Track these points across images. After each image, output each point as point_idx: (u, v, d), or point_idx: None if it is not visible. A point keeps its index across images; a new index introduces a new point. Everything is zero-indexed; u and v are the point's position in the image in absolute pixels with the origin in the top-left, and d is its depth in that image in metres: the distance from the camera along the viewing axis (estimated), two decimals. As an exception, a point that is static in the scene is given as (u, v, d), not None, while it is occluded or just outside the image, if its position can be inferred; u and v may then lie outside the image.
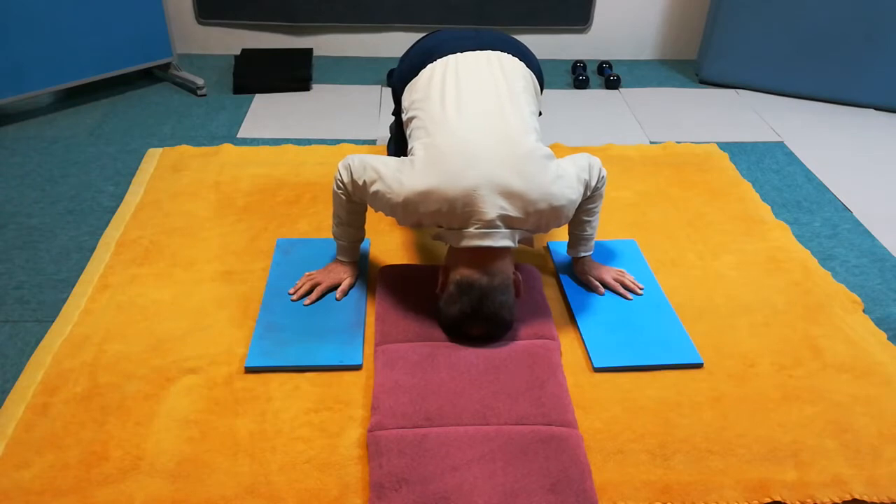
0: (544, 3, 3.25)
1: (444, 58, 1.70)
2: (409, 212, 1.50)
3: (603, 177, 1.67)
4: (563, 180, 1.51)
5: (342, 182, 1.62)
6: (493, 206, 1.45)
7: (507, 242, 1.48)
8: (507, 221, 1.47)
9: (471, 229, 1.47)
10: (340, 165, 1.62)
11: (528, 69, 1.74)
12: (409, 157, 1.55)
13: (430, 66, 1.70)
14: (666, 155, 2.54)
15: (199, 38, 3.30)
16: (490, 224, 1.46)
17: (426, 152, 1.50)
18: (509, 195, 1.45)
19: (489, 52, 1.72)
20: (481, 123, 1.51)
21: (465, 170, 1.45)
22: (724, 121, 2.87)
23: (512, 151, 1.48)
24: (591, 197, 1.68)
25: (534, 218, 1.49)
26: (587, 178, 1.60)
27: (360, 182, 1.56)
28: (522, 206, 1.46)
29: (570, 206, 1.53)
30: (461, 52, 1.70)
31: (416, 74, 1.72)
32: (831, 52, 2.93)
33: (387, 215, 1.56)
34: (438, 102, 1.58)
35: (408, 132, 1.66)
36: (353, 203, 1.66)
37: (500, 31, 1.85)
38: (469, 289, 1.52)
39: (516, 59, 1.73)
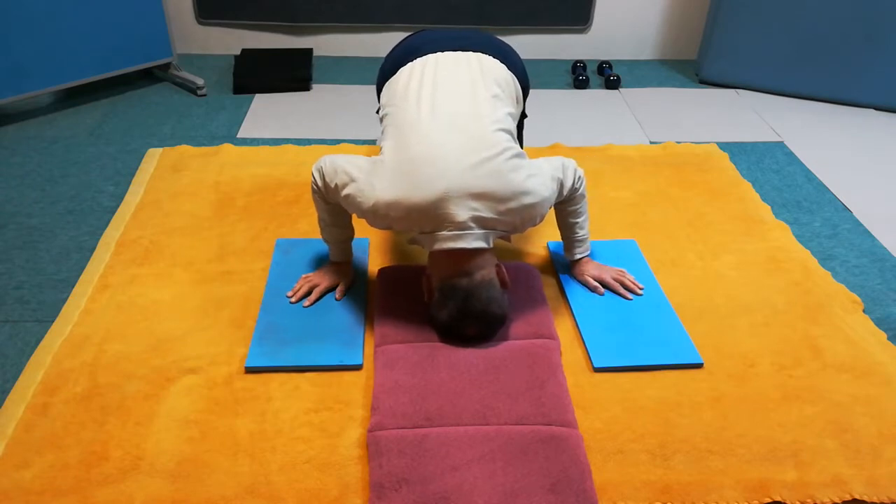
0: (544, 3, 3.25)
1: (424, 57, 1.69)
2: (380, 216, 1.49)
3: (580, 177, 1.67)
4: (535, 178, 1.51)
5: (316, 185, 1.62)
6: (463, 209, 1.44)
7: (479, 244, 1.48)
8: (481, 222, 1.47)
9: (443, 232, 1.47)
10: (314, 168, 1.62)
11: (509, 71, 1.74)
12: (380, 157, 1.54)
13: (409, 64, 1.70)
14: (666, 155, 2.54)
15: (199, 38, 3.30)
16: (462, 226, 1.46)
17: (396, 155, 1.50)
18: (480, 196, 1.45)
19: (469, 52, 1.71)
20: (454, 124, 1.51)
21: (433, 177, 1.44)
22: (724, 121, 2.87)
23: (483, 152, 1.47)
24: (572, 198, 1.68)
25: (507, 217, 1.49)
26: (561, 177, 1.60)
27: (333, 185, 1.56)
28: (494, 206, 1.46)
29: (543, 203, 1.52)
30: (442, 51, 1.70)
31: (396, 72, 1.72)
32: (831, 52, 2.93)
33: (358, 217, 1.56)
34: (414, 102, 1.58)
35: (381, 128, 1.66)
36: (331, 204, 1.66)
37: (486, 32, 1.85)
38: (452, 292, 1.52)
39: (497, 60, 1.73)
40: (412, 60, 1.70)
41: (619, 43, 3.43)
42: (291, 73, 2.99)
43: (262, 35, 3.30)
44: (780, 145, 2.70)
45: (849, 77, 2.95)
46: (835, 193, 2.38)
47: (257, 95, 2.93)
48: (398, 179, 1.46)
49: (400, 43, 1.85)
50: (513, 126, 1.62)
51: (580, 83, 3.11)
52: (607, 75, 3.13)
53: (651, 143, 2.67)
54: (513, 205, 1.47)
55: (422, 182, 1.44)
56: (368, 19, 3.25)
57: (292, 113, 2.80)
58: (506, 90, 1.68)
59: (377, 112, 1.96)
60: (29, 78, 2.54)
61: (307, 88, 3.00)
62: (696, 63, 3.39)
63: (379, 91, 1.85)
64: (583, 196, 1.71)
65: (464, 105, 1.56)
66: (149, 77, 3.06)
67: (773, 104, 3.03)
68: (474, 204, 1.45)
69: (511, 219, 1.49)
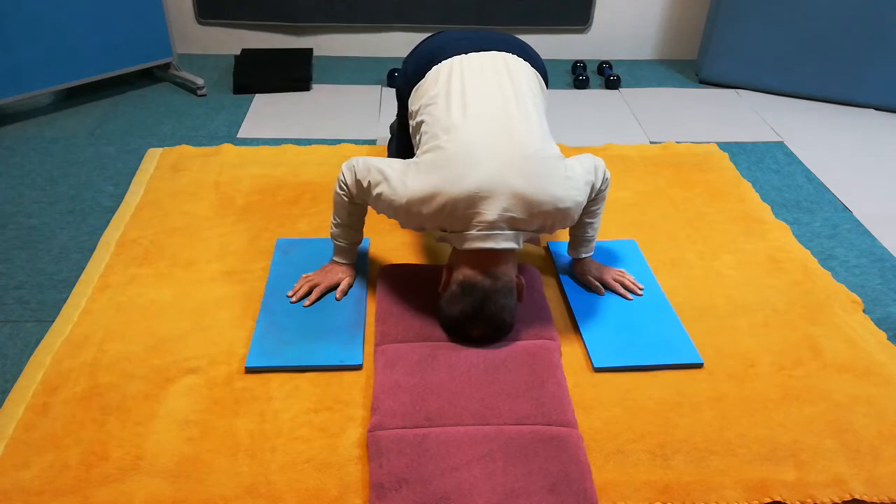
0: (544, 3, 3.25)
1: (450, 59, 1.69)
2: (412, 214, 1.49)
3: (607, 178, 1.67)
4: (570, 182, 1.50)
5: (345, 183, 1.62)
6: (495, 208, 1.44)
7: (510, 244, 1.48)
8: (512, 223, 1.47)
9: (473, 231, 1.46)
10: (344, 167, 1.62)
11: (533, 69, 1.74)
12: (413, 159, 1.54)
13: (435, 68, 1.69)
14: (666, 155, 2.54)
15: (199, 38, 3.30)
16: (493, 226, 1.45)
17: (430, 155, 1.50)
18: (513, 197, 1.44)
19: (494, 52, 1.70)
20: (486, 125, 1.51)
21: (467, 172, 1.44)
22: (724, 121, 2.87)
23: (517, 153, 1.47)
24: (594, 199, 1.67)
25: (539, 219, 1.48)
26: (593, 179, 1.60)
27: (365, 184, 1.56)
28: (527, 208, 1.46)
29: (576, 208, 1.52)
30: (466, 53, 1.70)
31: (421, 77, 1.71)
32: (831, 52, 2.93)
33: (389, 217, 1.56)
34: (444, 106, 1.57)
35: (416, 139, 1.65)
36: (355, 205, 1.66)
37: (504, 32, 1.85)
38: (472, 290, 1.52)
39: (521, 59, 1.73)
40: (436, 64, 1.69)
41: (619, 43, 3.43)
42: (291, 73, 2.99)
43: (262, 35, 3.30)
44: (780, 145, 2.70)
45: (849, 77, 2.95)
46: (835, 193, 2.38)
47: (257, 95, 2.93)
48: (431, 176, 1.46)
49: (419, 46, 1.84)
50: (544, 123, 1.61)
51: (580, 83, 3.11)
52: (607, 75, 3.13)
53: (651, 143, 2.67)
54: (546, 208, 1.47)
55: (454, 178, 1.44)
56: (368, 19, 3.25)
57: (292, 113, 2.80)
58: (532, 88, 1.67)
59: (398, 115, 1.95)
60: (29, 78, 2.54)
61: (307, 88, 3.00)
62: (696, 63, 3.39)
63: (400, 96, 1.85)
64: (603, 198, 1.71)
65: (495, 106, 1.55)
66: (149, 77, 3.06)
67: (773, 104, 3.03)
68: (506, 204, 1.45)
69: (543, 221, 1.49)
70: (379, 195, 1.53)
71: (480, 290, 1.51)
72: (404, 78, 1.81)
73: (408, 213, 1.50)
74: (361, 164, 1.58)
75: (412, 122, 1.70)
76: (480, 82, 1.61)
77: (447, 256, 1.91)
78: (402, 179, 1.49)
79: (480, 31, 1.80)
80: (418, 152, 1.57)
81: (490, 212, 1.44)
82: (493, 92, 1.59)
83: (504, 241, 1.47)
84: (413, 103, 1.71)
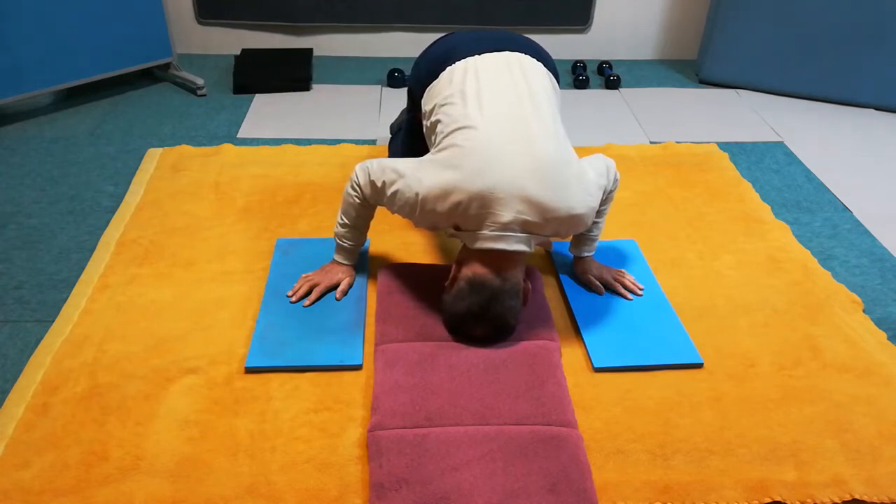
0: (544, 3, 3.25)
1: (464, 60, 1.67)
2: (426, 211, 1.49)
3: (616, 179, 1.67)
4: (583, 187, 1.50)
5: (358, 185, 1.62)
6: (509, 210, 1.44)
7: (521, 247, 1.48)
8: (525, 226, 1.47)
9: (486, 231, 1.46)
10: (358, 168, 1.62)
11: (546, 69, 1.73)
12: (427, 156, 1.54)
13: (449, 68, 1.68)
14: (666, 155, 2.54)
15: (199, 38, 3.30)
16: (506, 227, 1.45)
17: (448, 152, 1.50)
18: (527, 200, 1.44)
19: (507, 53, 1.69)
20: (502, 125, 1.50)
21: (484, 169, 1.44)
22: (724, 121, 2.87)
23: (533, 156, 1.47)
24: (603, 199, 1.67)
25: (552, 225, 1.48)
26: (605, 183, 1.60)
27: (379, 184, 1.56)
28: (541, 212, 1.45)
29: (589, 213, 1.52)
30: (479, 53, 1.68)
31: (434, 77, 1.70)
32: (831, 52, 2.94)
33: (404, 216, 1.56)
34: (460, 105, 1.57)
35: (431, 138, 1.65)
36: (365, 207, 1.66)
37: (515, 32, 1.84)
38: (481, 288, 1.52)
39: (534, 59, 1.72)
40: (450, 64, 1.68)
41: (619, 43, 3.43)
42: (291, 73, 2.99)
43: (262, 35, 3.30)
44: (780, 145, 2.70)
45: (849, 77, 2.95)
46: (835, 193, 2.38)
47: (257, 95, 2.93)
48: (447, 172, 1.46)
49: (431, 46, 1.83)
50: (559, 123, 1.60)
51: (580, 83, 3.11)
52: (607, 75, 3.13)
53: (651, 143, 2.67)
54: (560, 214, 1.47)
55: (470, 175, 1.44)
56: (368, 19, 3.25)
57: (292, 113, 2.80)
58: (546, 88, 1.66)
59: (408, 111, 1.95)
60: (29, 78, 2.54)
61: (307, 88, 3.00)
62: (696, 63, 3.39)
63: (412, 96, 1.84)
64: (611, 199, 1.71)
65: (510, 107, 1.54)
66: (149, 77, 3.06)
67: (773, 104, 3.03)
68: (520, 206, 1.44)
69: (556, 227, 1.49)
70: (395, 193, 1.52)
71: (489, 289, 1.51)
72: (416, 78, 1.80)
73: (422, 210, 1.49)
74: (376, 165, 1.58)
75: (426, 123, 1.70)
76: (495, 83, 1.60)
77: (448, 257, 1.92)
78: (417, 176, 1.49)
79: (493, 31, 1.79)
80: (433, 150, 1.56)
81: (504, 213, 1.44)
82: (507, 92, 1.58)
83: (516, 244, 1.47)
84: (426, 103, 1.71)
